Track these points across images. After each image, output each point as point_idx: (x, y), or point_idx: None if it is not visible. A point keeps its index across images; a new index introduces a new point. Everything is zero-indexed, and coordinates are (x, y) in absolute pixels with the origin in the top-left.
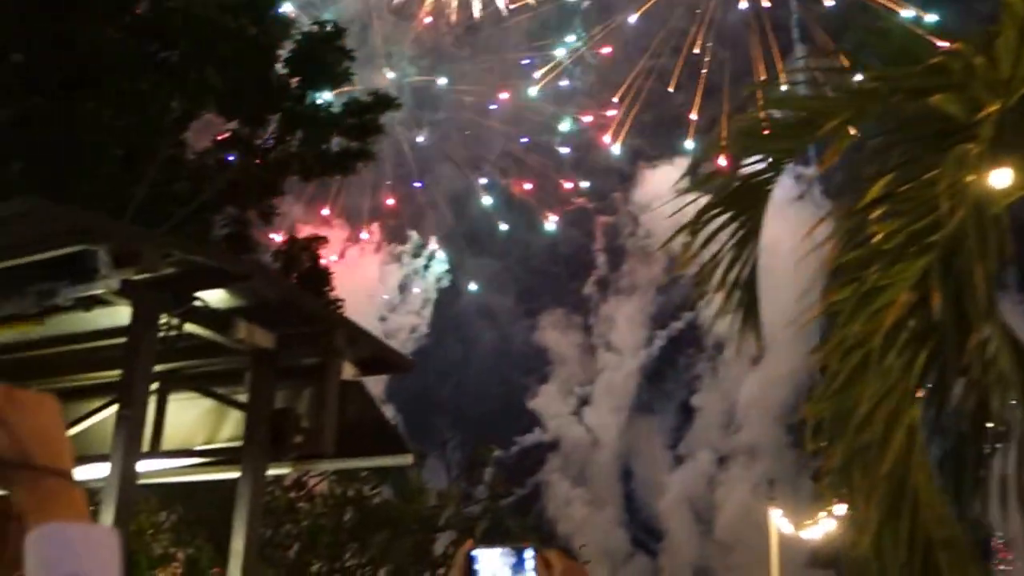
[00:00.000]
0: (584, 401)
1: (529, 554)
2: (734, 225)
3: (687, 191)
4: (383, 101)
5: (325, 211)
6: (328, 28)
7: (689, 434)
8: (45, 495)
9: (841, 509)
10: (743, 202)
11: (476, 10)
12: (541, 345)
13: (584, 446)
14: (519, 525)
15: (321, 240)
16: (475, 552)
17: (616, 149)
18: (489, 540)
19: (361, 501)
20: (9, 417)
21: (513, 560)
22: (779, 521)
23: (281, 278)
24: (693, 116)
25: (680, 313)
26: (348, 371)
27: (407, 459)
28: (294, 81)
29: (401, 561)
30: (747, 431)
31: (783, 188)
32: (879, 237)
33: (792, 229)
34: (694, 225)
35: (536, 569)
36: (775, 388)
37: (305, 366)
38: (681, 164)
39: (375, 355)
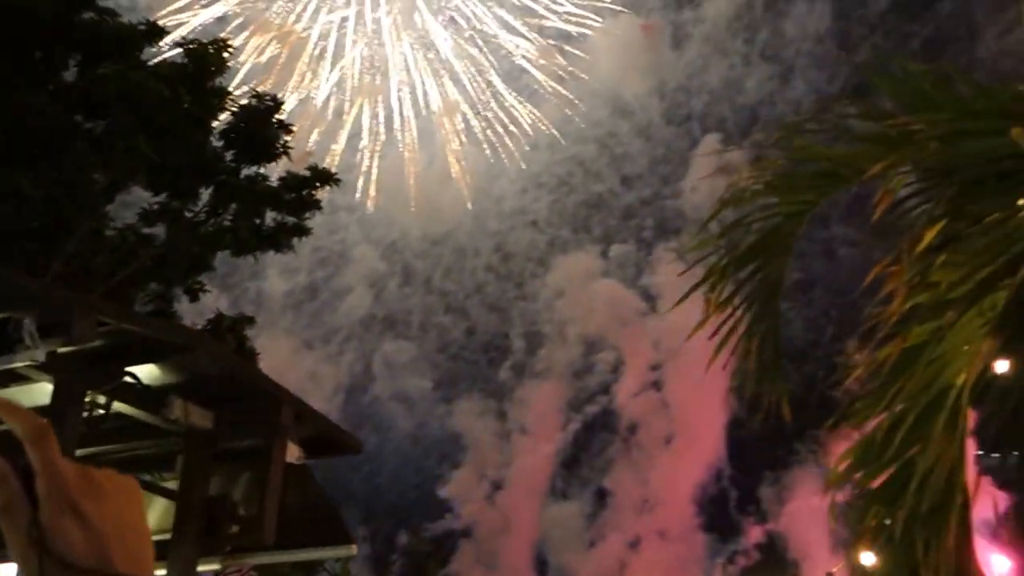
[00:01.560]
0: (498, 486)
1: None
2: (754, 280)
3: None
4: (321, 175)
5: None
6: (267, 100)
7: (602, 517)
8: None
9: None
10: (767, 253)
11: None
12: (456, 431)
13: (497, 532)
14: None
15: (248, 320)
16: None
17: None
18: None
19: None
20: (86, 507)
21: None
22: None
23: (224, 349)
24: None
25: (596, 397)
26: (292, 453)
27: (352, 550)
28: (229, 154)
29: None
30: (660, 513)
31: None
32: (943, 286)
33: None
34: (720, 276)
35: None
36: (690, 469)
37: (244, 447)
38: (593, 250)
39: (322, 435)
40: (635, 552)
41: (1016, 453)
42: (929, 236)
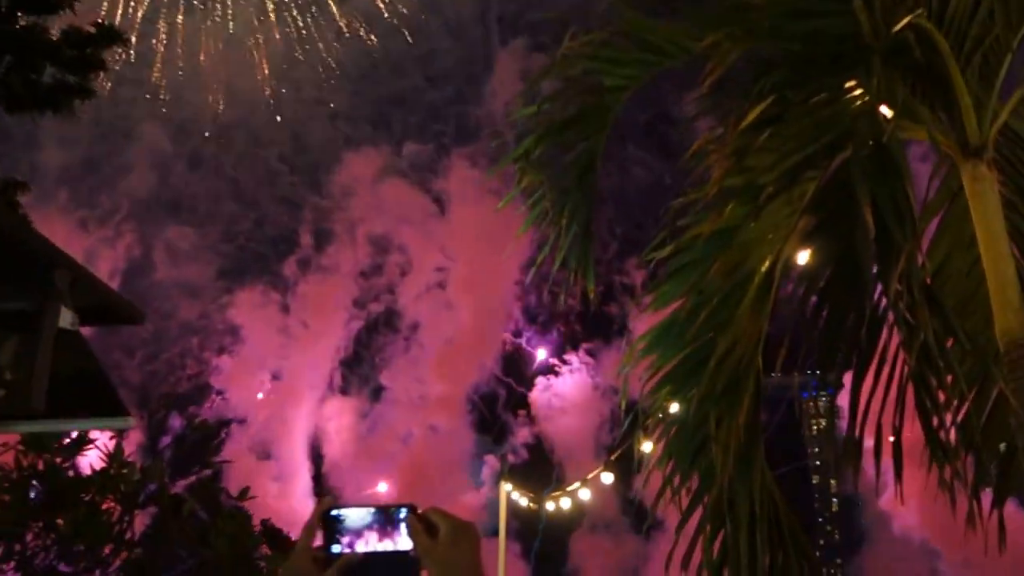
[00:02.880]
0: (276, 378)
1: (403, 514)
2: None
3: (517, 116)
4: (108, 33)
5: None
6: None
7: (377, 412)
8: None
9: None
10: (586, 127)
11: None
12: (236, 322)
13: (272, 423)
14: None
15: (21, 185)
16: (338, 511)
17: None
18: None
19: (53, 474)
20: None
21: (382, 520)
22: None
23: None
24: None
25: (380, 296)
26: (65, 318)
27: (128, 422)
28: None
29: (94, 541)
30: (434, 410)
31: None
32: (758, 169)
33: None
34: (535, 144)
35: (413, 532)
36: (467, 370)
37: (13, 310)
38: (388, 149)
39: (101, 303)
40: (407, 446)
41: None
42: (753, 114)
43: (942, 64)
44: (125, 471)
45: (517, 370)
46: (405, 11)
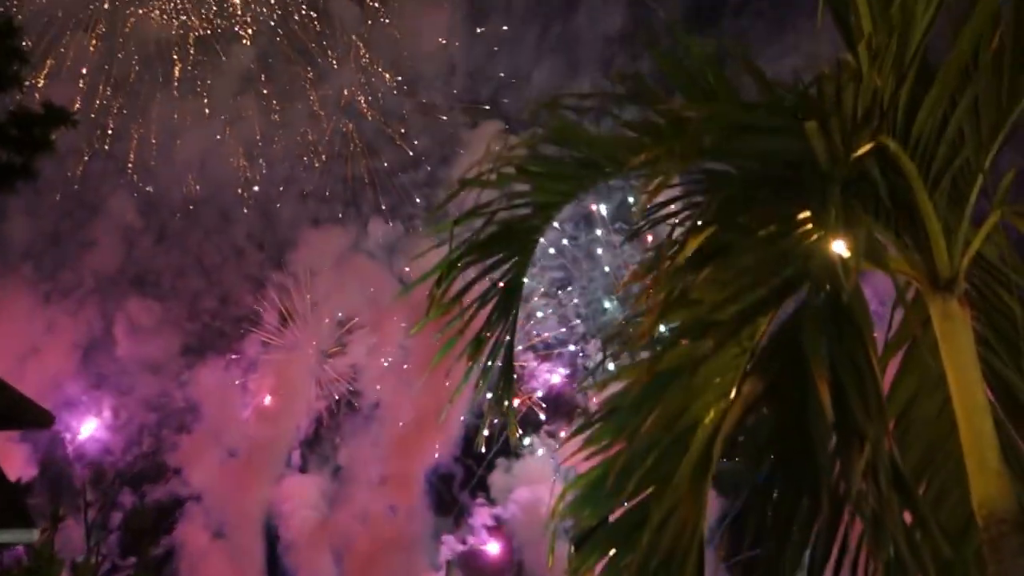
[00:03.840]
0: (233, 455)
1: None
2: (494, 275)
3: (434, 228)
4: (56, 115)
5: None
6: None
7: (336, 491)
8: None
9: None
10: (508, 248)
11: None
12: (197, 399)
13: (227, 501)
14: None
15: None
16: None
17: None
18: None
19: None
20: None
21: None
22: None
23: None
24: None
25: (343, 375)
26: None
27: (31, 535)
28: None
29: None
30: (393, 490)
31: None
32: (704, 306)
33: None
34: (447, 271)
35: None
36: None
37: None
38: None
39: (7, 407)
40: (365, 526)
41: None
42: (693, 245)
43: (907, 187)
44: (53, 568)
45: (477, 451)
46: (381, 94)
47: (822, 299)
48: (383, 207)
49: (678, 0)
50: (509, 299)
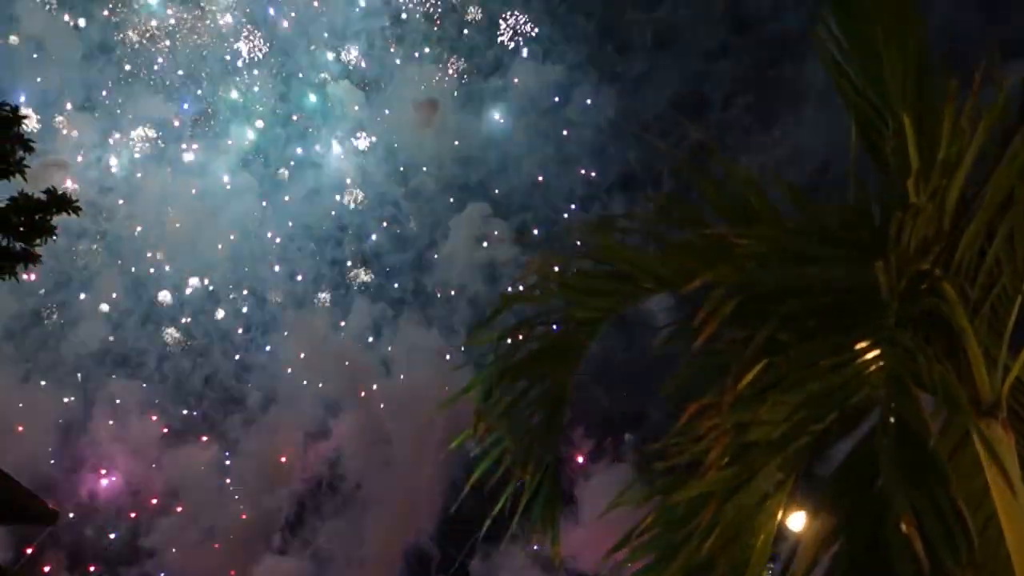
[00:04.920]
0: (211, 535)
1: None
2: (536, 391)
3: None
4: (59, 201)
5: None
6: (4, 110)
7: (315, 572)
8: None
9: None
10: (554, 364)
11: None
12: (176, 479)
13: None
14: None
15: None
16: None
17: None
18: None
19: None
20: None
21: None
22: None
23: None
24: None
25: (324, 456)
26: None
27: None
28: None
29: None
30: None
31: None
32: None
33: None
34: (497, 382)
35: None
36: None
37: None
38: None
39: (11, 500)
40: None
41: None
42: (746, 380)
43: (950, 314)
44: None
45: (459, 535)
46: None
47: (894, 435)
48: (369, 287)
49: (664, 91)
50: (554, 416)
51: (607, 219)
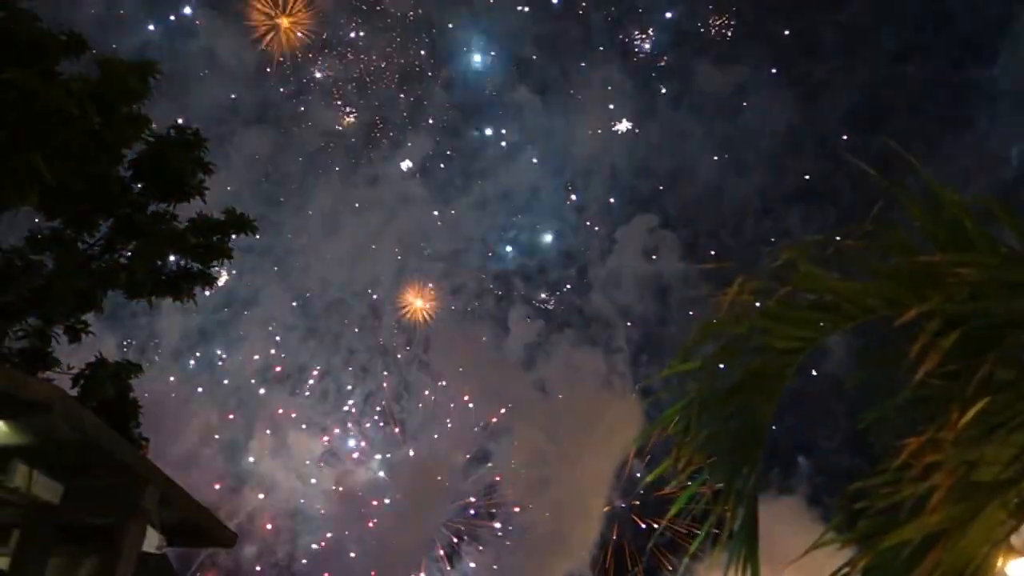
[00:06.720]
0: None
1: None
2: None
3: (678, 369)
4: (238, 222)
5: None
6: (187, 134)
7: None
8: None
9: None
10: (754, 395)
11: None
12: (328, 507)
13: None
14: None
15: (134, 367)
16: None
17: None
18: None
19: None
20: None
21: None
22: None
23: (87, 414)
24: None
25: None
26: (152, 540)
27: None
28: (138, 186)
29: None
30: None
31: None
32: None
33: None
34: (694, 414)
35: None
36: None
37: (95, 527)
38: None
39: (191, 522)
40: None
41: None
42: (968, 417)
43: None
44: None
45: (619, 567)
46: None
47: None
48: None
49: (841, 101)
50: (752, 446)
51: (807, 244)
